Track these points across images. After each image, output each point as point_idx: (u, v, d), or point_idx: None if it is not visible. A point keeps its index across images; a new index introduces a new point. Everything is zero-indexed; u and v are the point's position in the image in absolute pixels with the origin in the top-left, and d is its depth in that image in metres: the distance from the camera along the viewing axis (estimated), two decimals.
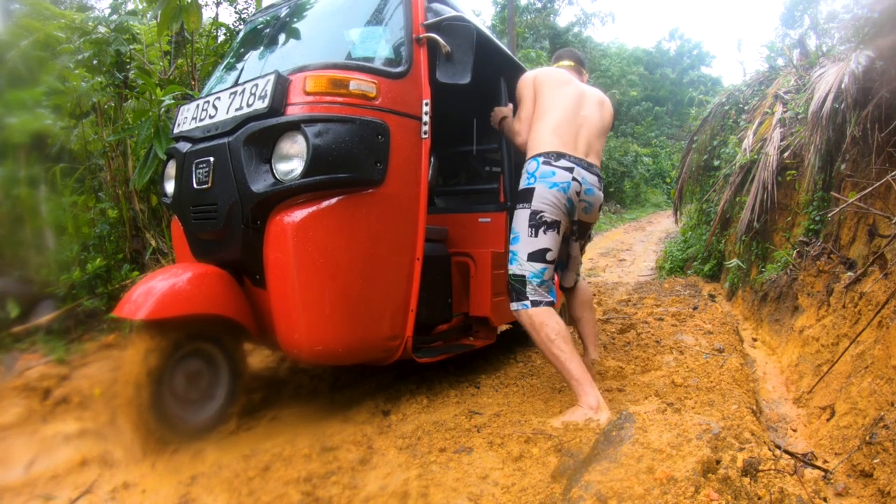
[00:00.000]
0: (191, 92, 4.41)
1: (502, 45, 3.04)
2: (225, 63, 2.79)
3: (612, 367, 2.97)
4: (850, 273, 3.43)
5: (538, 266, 2.22)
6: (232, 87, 2.19)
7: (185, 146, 2.27)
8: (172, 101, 3.82)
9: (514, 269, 2.28)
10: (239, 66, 2.60)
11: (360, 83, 2.02)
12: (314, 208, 1.95)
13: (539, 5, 18.33)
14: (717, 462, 1.58)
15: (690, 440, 1.68)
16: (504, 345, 3.59)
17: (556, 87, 2.44)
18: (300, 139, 1.93)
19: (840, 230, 4.02)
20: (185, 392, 2.06)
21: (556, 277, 2.55)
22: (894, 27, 3.52)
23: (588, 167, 2.33)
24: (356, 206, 2.02)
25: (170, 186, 2.41)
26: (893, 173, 3.11)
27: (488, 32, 2.92)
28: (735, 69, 24.45)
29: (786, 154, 5.39)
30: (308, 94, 1.97)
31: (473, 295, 2.83)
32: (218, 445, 2.22)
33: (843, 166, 4.02)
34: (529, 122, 2.44)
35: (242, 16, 4.82)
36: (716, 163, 8.10)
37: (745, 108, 7.89)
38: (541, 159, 2.26)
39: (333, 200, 1.98)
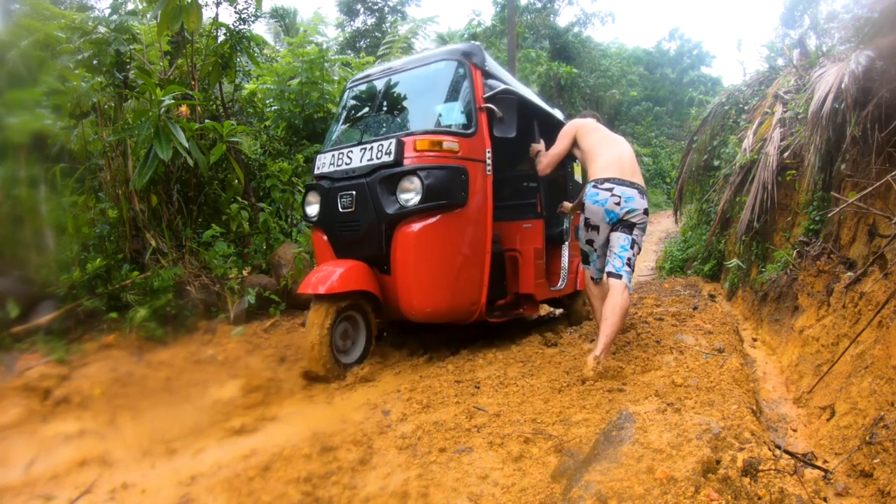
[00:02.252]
0: (191, 92, 4.41)
1: (535, 96, 4.15)
2: (341, 120, 3.79)
3: (612, 367, 2.96)
4: (850, 273, 3.43)
5: (587, 247, 3.23)
6: (358, 143, 3.23)
7: (326, 183, 3.29)
8: (172, 101, 3.82)
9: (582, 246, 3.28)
10: (355, 124, 3.67)
11: (449, 143, 3.06)
12: (425, 222, 2.98)
13: (539, 5, 18.30)
14: (717, 462, 1.58)
15: (690, 440, 1.68)
16: (504, 344, 3.59)
17: (592, 133, 3.24)
18: (416, 180, 2.95)
19: (840, 230, 4.02)
20: (340, 344, 3.06)
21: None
22: (894, 27, 3.53)
23: (630, 185, 3.03)
24: (451, 220, 3.04)
25: (311, 210, 3.44)
26: (893, 173, 3.11)
27: (523, 89, 3.95)
28: (735, 69, 24.40)
29: (786, 154, 5.39)
30: (417, 151, 3.00)
31: (521, 278, 3.81)
32: (218, 445, 2.22)
33: (843, 166, 4.02)
34: (552, 158, 3.34)
35: (242, 16, 4.82)
36: (716, 163, 8.11)
37: (745, 108, 7.89)
38: (591, 184, 3.03)
39: (437, 217, 3.00)
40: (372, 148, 3.08)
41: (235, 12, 4.81)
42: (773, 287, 4.84)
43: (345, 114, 3.76)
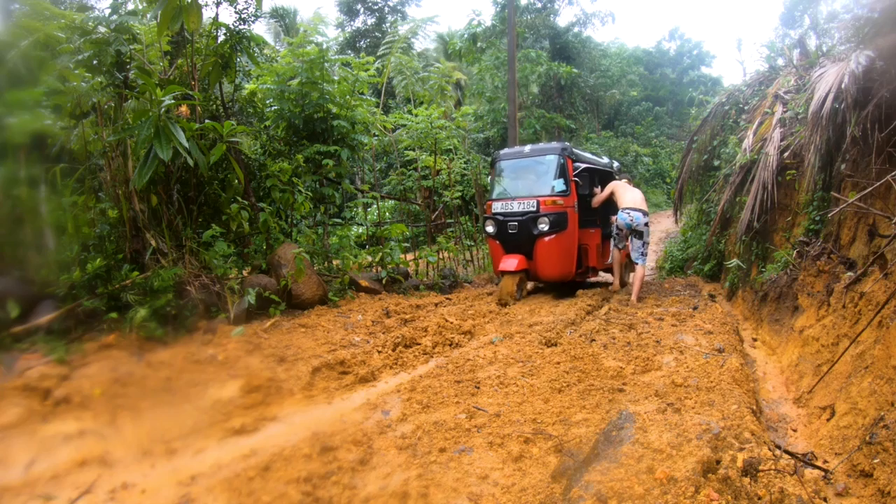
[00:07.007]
0: (191, 92, 4.41)
1: (593, 156, 7.84)
2: (499, 179, 6.93)
3: (613, 367, 2.97)
4: (850, 273, 3.43)
5: (615, 237, 6.47)
6: (515, 198, 6.50)
7: (500, 217, 6.49)
8: (172, 101, 3.81)
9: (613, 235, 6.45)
10: (511, 185, 6.80)
11: (559, 201, 6.29)
12: (550, 237, 6.26)
13: (539, 5, 18.23)
14: (717, 462, 1.58)
15: (690, 440, 1.68)
16: (503, 342, 3.59)
17: (623, 190, 6.29)
18: (546, 220, 6.23)
19: (840, 230, 4.02)
20: (517, 292, 6.23)
21: (623, 251, 6.53)
22: (894, 27, 3.52)
23: (639, 210, 6.00)
24: (561, 236, 6.28)
25: (491, 229, 6.61)
26: (893, 173, 3.11)
27: (589, 156, 7.46)
28: (735, 69, 24.40)
29: (786, 154, 5.39)
30: (546, 205, 6.27)
31: (589, 258, 7.02)
32: (218, 445, 2.22)
33: (843, 166, 4.02)
34: (599, 199, 6.62)
35: (242, 16, 4.82)
36: (716, 163, 8.10)
37: (745, 108, 7.88)
38: (621, 210, 6.11)
39: (555, 235, 6.25)
40: (524, 202, 6.35)
41: (235, 12, 4.81)
42: (773, 287, 4.84)
43: (504, 178, 6.92)
